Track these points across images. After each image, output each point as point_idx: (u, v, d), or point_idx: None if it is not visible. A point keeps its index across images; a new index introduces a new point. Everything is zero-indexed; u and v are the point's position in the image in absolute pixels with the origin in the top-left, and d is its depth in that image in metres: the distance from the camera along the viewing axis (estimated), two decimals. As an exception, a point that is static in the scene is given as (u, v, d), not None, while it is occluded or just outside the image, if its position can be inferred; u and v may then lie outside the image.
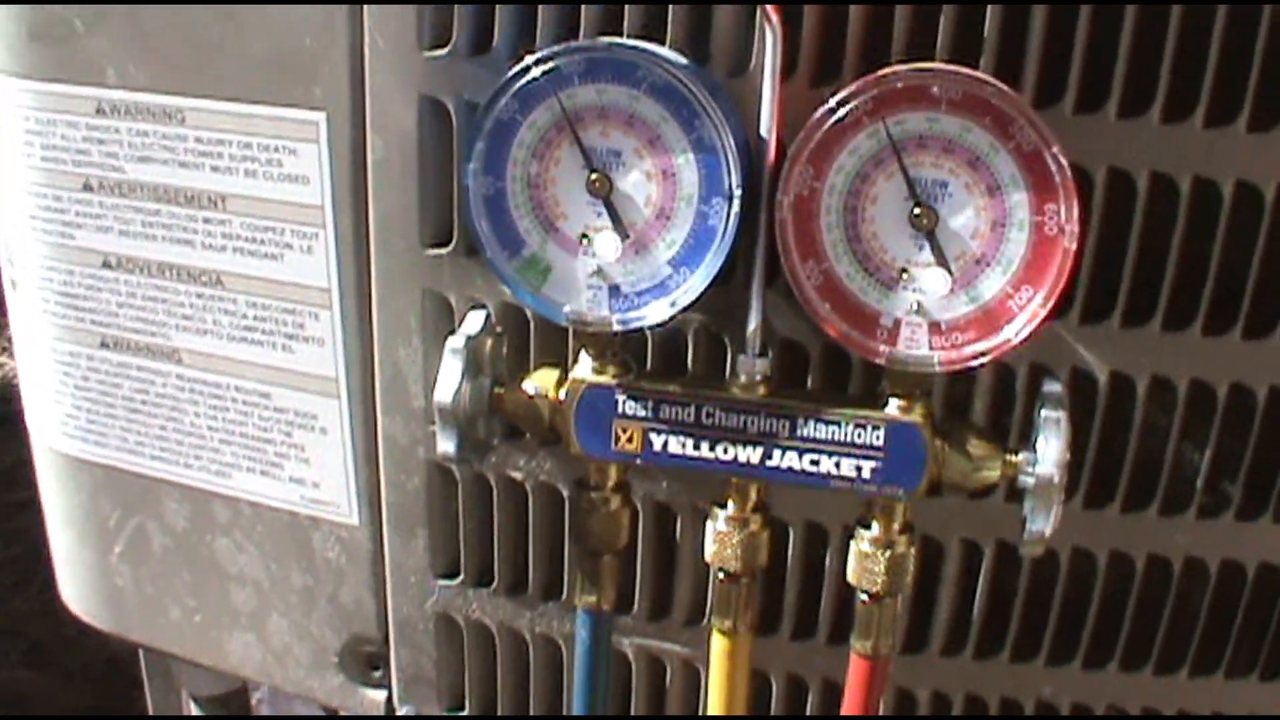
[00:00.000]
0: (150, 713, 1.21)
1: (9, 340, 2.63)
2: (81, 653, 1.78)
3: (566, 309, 0.72)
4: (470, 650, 0.92)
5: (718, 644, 0.78)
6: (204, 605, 0.99)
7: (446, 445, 0.75)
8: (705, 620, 0.86)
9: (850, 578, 0.75)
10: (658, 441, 0.74)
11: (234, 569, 0.96)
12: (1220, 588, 0.80)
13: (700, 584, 0.86)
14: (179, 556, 0.98)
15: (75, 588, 1.06)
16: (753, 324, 0.72)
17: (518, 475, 0.85)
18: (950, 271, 0.68)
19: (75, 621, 1.08)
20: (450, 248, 0.80)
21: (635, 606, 0.86)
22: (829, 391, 0.77)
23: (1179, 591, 0.81)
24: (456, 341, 0.74)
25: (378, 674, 0.95)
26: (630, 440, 0.74)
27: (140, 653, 1.17)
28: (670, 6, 0.73)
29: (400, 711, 0.95)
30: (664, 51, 0.69)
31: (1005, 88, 0.66)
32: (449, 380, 0.74)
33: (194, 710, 1.17)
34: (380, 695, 0.96)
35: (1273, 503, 0.78)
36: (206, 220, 0.85)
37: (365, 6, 0.77)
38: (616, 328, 0.72)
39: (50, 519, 1.04)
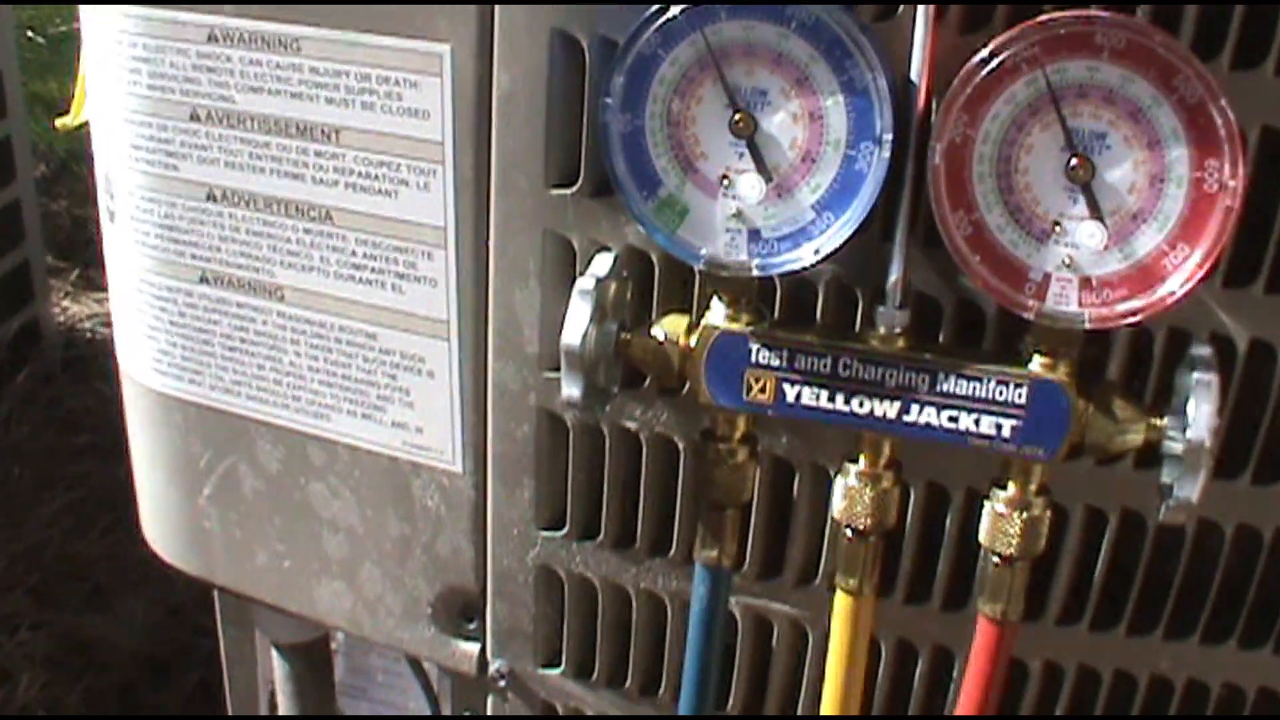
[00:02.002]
0: (224, 657, 1.20)
1: (72, 285, 2.64)
2: (144, 597, 1.78)
3: (703, 252, 0.70)
4: (571, 605, 0.90)
5: (841, 604, 0.76)
6: (294, 551, 0.97)
7: (571, 390, 0.73)
8: (816, 581, 0.84)
9: (983, 539, 0.73)
10: (791, 393, 0.71)
11: (327, 514, 0.94)
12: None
13: (814, 544, 0.84)
14: (270, 500, 0.96)
15: (160, 529, 1.04)
16: (894, 275, 0.70)
17: (632, 425, 0.83)
18: (1105, 226, 0.66)
19: (138, 566, 1.07)
20: (575, 188, 0.78)
21: (745, 565, 0.84)
22: (968, 347, 0.74)
23: (1308, 568, 0.78)
24: (586, 283, 0.72)
25: (472, 626, 0.93)
26: (763, 390, 0.72)
27: (216, 597, 1.16)
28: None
29: (493, 665, 0.93)
30: None
31: (1172, 37, 0.64)
32: (577, 323, 0.72)
33: (274, 655, 1.15)
34: (473, 648, 0.94)
35: None
36: (318, 154, 0.82)
37: (497, -64, 0.74)
38: (755, 273, 0.70)
39: (137, 458, 1.03)
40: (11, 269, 2.43)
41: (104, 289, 2.58)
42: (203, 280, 0.90)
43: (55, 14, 3.29)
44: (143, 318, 0.95)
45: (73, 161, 3.00)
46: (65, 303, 2.59)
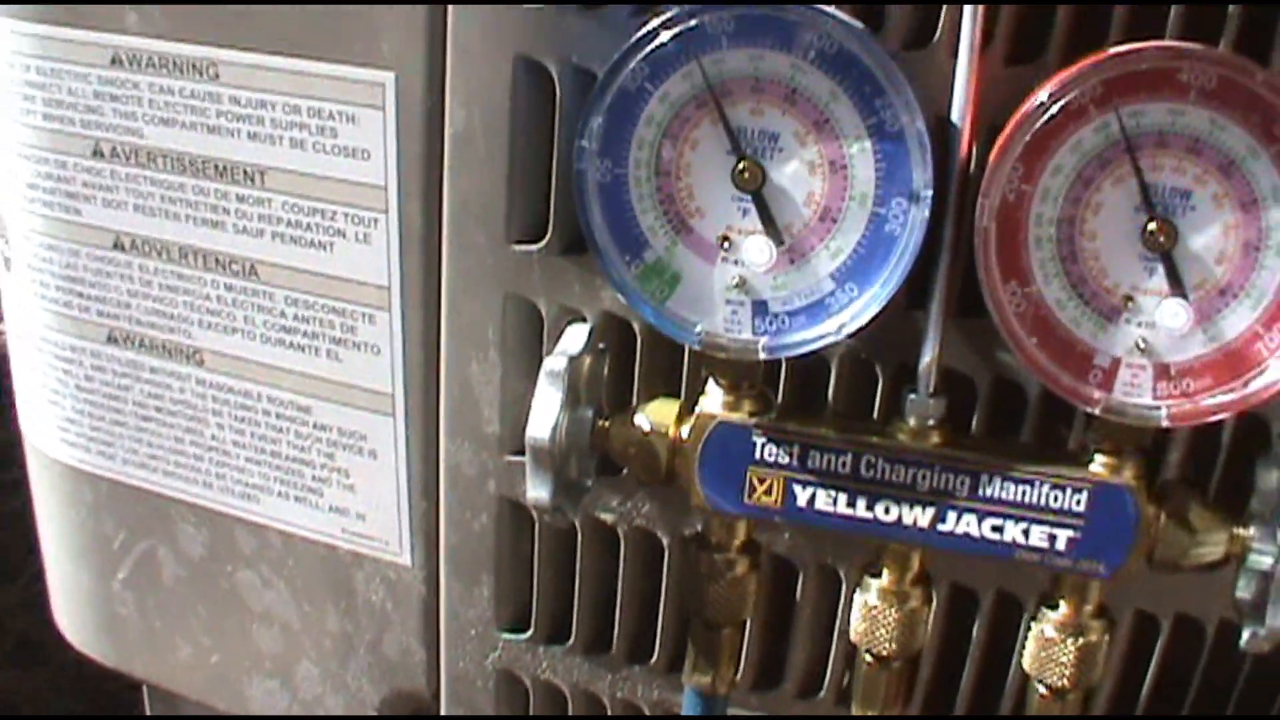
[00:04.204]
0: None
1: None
2: (74, 651, 1.69)
3: (699, 329, 0.61)
4: (537, 715, 0.82)
5: (858, 739, 0.66)
6: (221, 645, 0.89)
7: (539, 492, 0.63)
8: (821, 694, 0.75)
9: (1028, 666, 0.64)
10: (803, 495, 0.62)
11: (259, 607, 0.86)
12: None
13: (819, 652, 0.75)
14: (193, 588, 0.87)
15: (70, 611, 0.96)
16: (928, 355, 0.60)
17: (608, 518, 0.74)
18: (1188, 303, 0.56)
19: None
20: (543, 244, 0.69)
21: (739, 673, 0.74)
22: (1008, 438, 0.64)
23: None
24: (556, 363, 0.63)
25: (424, 735, 0.86)
26: (769, 493, 0.62)
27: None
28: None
29: (447, 777, 0.84)
30: (833, 11, 0.56)
31: (1275, 76, 0.54)
32: (545, 413, 0.62)
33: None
34: (425, 759, 0.86)
35: None
36: (241, 198, 0.75)
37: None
38: (763, 355, 0.60)
39: (45, 534, 0.95)
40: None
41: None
42: (111, 340, 0.82)
43: None
44: (45, 380, 0.86)
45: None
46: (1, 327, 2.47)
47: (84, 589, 0.92)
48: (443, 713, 0.82)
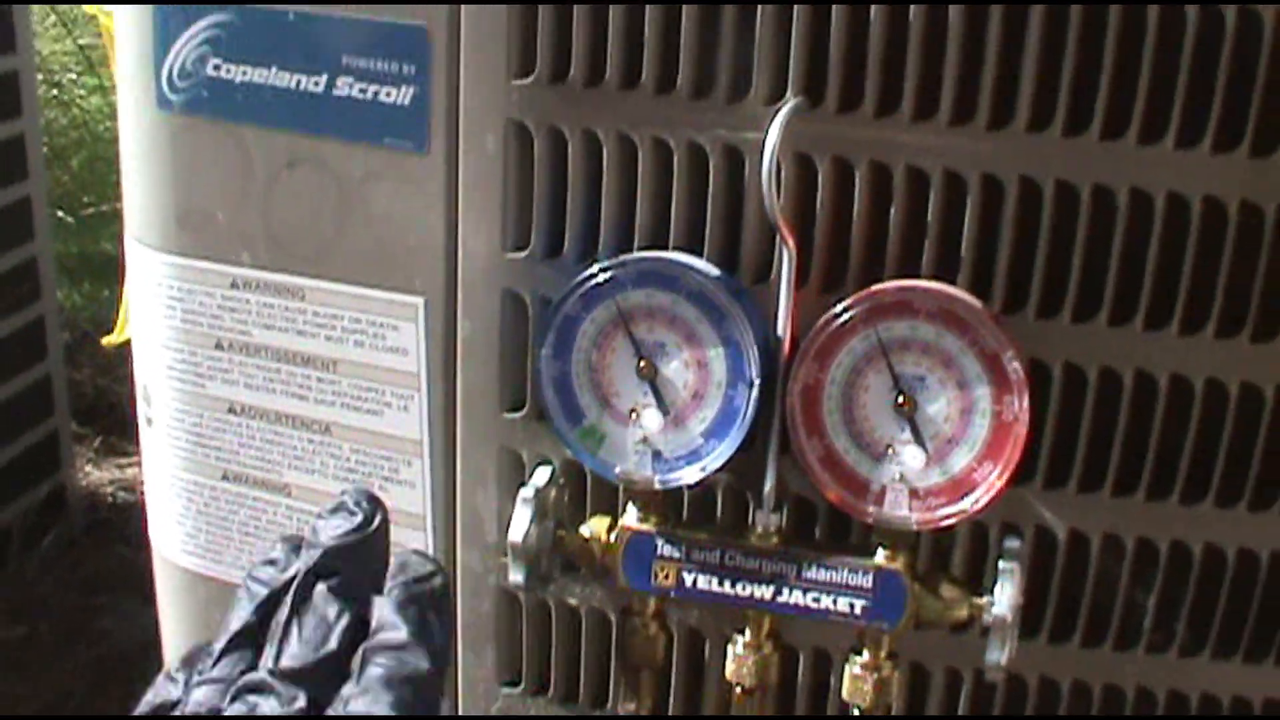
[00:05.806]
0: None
1: (94, 452, 2.78)
2: None
3: (617, 469, 0.86)
4: None
5: (734, 751, 0.92)
6: None
7: (517, 576, 0.89)
8: None
9: (844, 695, 0.89)
10: (689, 579, 0.87)
11: None
12: (1167, 717, 0.93)
13: (724, 697, 0.97)
14: None
15: None
16: (768, 485, 0.86)
17: (573, 602, 0.98)
18: (926, 449, 0.82)
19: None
20: (523, 413, 0.92)
21: (668, 715, 1.00)
22: (830, 541, 0.90)
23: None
24: (528, 492, 0.88)
25: (446, 768, 1.07)
26: (667, 577, 0.87)
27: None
28: (708, 223, 0.88)
29: (464, 800, 1.08)
30: (701, 264, 0.84)
31: (973, 301, 0.80)
32: (520, 523, 0.88)
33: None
34: (449, 787, 1.08)
35: (1212, 641, 0.91)
36: (320, 380, 0.95)
37: (460, 216, 0.92)
38: (657, 486, 0.85)
39: (165, 624, 1.17)
40: (41, 438, 2.52)
41: (125, 455, 2.71)
42: (224, 478, 1.03)
43: (82, 193, 3.46)
44: (174, 506, 1.09)
45: (95, 330, 3.11)
46: (88, 468, 2.70)
47: (197, 667, 1.16)
48: (461, 750, 1.07)
